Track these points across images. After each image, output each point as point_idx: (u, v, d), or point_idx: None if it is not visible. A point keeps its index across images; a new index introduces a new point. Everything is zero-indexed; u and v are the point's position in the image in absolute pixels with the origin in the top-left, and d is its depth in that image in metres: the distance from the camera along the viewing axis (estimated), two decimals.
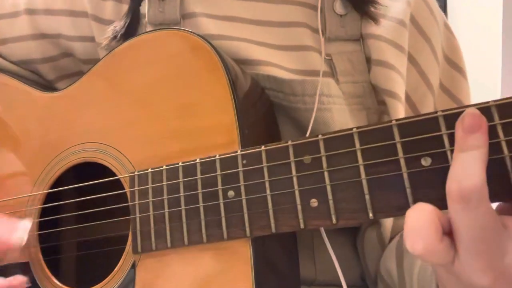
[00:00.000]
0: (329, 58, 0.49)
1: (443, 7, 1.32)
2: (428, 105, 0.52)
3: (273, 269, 0.43)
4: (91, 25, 0.54)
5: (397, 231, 0.49)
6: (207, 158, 0.41)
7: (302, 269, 0.48)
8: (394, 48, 0.49)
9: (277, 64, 0.49)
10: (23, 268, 0.48)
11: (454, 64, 0.54)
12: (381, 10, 0.50)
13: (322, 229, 0.44)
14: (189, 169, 0.42)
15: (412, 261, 0.44)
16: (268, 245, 0.42)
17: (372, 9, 0.49)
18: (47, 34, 0.57)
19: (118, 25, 0.51)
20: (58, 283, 0.47)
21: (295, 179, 0.38)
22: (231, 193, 0.40)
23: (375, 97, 0.50)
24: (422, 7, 0.52)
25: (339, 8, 0.50)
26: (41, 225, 0.49)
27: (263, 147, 0.39)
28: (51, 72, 0.59)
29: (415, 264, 0.43)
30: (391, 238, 0.49)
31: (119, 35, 0.51)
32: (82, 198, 0.47)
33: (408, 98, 0.51)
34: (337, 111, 0.46)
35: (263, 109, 0.48)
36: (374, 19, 0.49)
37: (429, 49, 0.52)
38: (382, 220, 0.48)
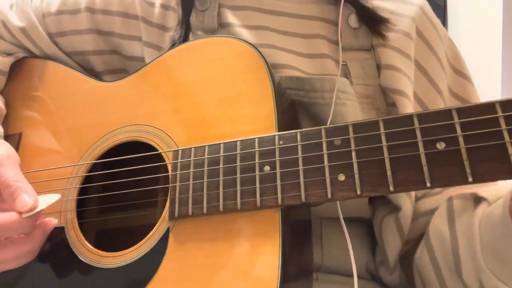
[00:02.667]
0: (344, 63, 0.57)
1: (443, 7, 1.36)
2: (439, 107, 0.58)
3: (296, 242, 0.47)
4: (140, 26, 0.62)
5: (421, 228, 0.53)
6: (247, 138, 0.47)
7: None
8: (401, 55, 0.57)
9: (298, 68, 0.57)
10: (58, 231, 0.52)
11: (460, 72, 0.62)
12: (390, 28, 0.58)
13: (341, 217, 0.48)
14: (230, 147, 0.47)
15: (469, 219, 0.48)
16: (294, 220, 0.46)
17: (383, 27, 0.58)
18: (102, 31, 0.65)
19: (175, 34, 0.60)
20: (90, 246, 0.50)
21: (325, 156, 0.44)
22: (267, 167, 0.45)
23: (385, 99, 0.57)
24: (426, 22, 0.61)
25: (353, 22, 0.59)
26: (81, 193, 0.53)
27: (298, 130, 0.45)
28: (100, 64, 0.66)
29: (473, 220, 0.47)
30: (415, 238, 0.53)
31: (177, 42, 0.59)
32: (122, 169, 0.52)
33: (420, 102, 0.58)
34: (351, 106, 0.53)
35: (287, 104, 0.55)
36: (383, 36, 0.57)
37: (435, 58, 0.60)
38: (400, 205, 0.53)
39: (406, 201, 0.53)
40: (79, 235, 0.51)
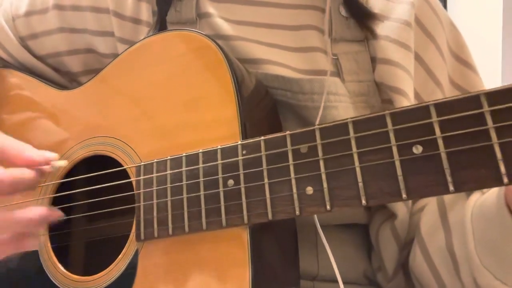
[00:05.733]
0: (335, 57, 0.51)
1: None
2: None
3: (271, 258, 0.43)
4: (112, 21, 0.57)
5: (414, 229, 0.49)
6: (209, 148, 0.43)
7: (305, 264, 0.49)
8: (399, 47, 0.50)
9: (285, 64, 0.51)
10: (32, 255, 0.50)
11: (463, 60, 0.54)
12: (378, 26, 0.51)
13: (319, 228, 0.44)
14: (192, 159, 0.43)
15: (461, 210, 0.43)
16: (266, 235, 0.43)
17: (371, 22, 0.51)
18: (74, 29, 0.60)
19: (147, 35, 0.54)
20: (64, 270, 0.49)
21: (291, 167, 0.39)
22: (230, 182, 0.41)
23: (380, 95, 0.51)
24: (425, 7, 0.53)
25: (344, 10, 0.52)
26: None
27: (262, 137, 0.41)
28: (77, 65, 0.62)
29: (465, 210, 0.43)
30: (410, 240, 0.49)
31: None
32: (89, 188, 0.49)
33: (417, 96, 0.52)
34: (343, 108, 0.47)
35: (266, 108, 0.50)
36: (372, 32, 0.51)
37: (434, 47, 0.53)
38: (396, 213, 0.48)
39: (401, 207, 0.48)
40: (52, 258, 0.50)
